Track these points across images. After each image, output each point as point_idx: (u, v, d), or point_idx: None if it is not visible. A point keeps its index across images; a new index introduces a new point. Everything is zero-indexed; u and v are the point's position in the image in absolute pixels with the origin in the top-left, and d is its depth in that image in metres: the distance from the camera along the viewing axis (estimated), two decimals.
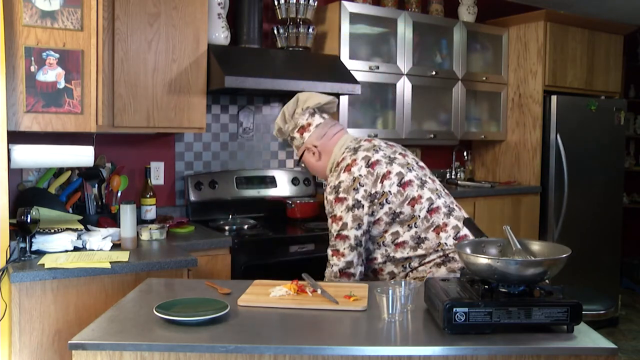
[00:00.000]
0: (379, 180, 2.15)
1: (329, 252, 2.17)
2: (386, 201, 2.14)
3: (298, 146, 2.36)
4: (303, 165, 2.46)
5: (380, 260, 2.20)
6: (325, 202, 2.21)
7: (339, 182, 2.16)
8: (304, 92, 2.37)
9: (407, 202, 2.15)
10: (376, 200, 2.14)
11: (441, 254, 2.15)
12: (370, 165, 2.17)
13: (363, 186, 2.13)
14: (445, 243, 2.16)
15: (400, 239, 2.16)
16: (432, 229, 2.16)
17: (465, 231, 2.19)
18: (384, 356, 1.47)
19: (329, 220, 2.19)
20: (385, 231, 2.17)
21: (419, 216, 2.16)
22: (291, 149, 3.83)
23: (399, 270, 2.19)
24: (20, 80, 2.43)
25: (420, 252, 2.15)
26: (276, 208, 3.57)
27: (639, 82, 6.24)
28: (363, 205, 2.12)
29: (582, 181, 4.55)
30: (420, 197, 2.17)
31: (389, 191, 2.14)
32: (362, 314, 1.71)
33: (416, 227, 2.16)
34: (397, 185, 2.16)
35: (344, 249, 2.13)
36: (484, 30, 4.53)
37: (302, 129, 2.32)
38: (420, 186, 2.20)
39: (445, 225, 2.18)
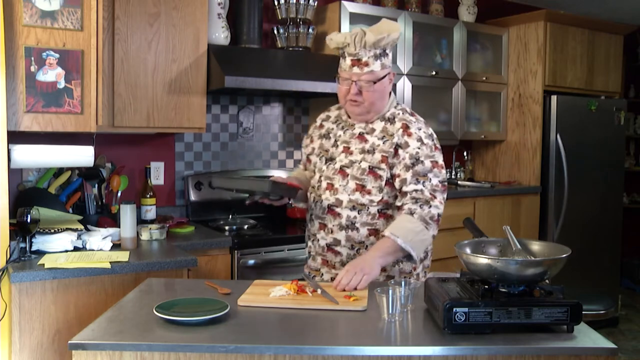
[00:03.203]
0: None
1: (432, 195, 2.05)
2: None
3: (386, 65, 2.11)
4: (360, 94, 2.09)
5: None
6: (419, 142, 2.09)
7: (432, 133, 2.15)
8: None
9: None
10: None
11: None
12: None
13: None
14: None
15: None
16: None
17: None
18: (384, 356, 1.47)
19: (428, 164, 2.08)
20: None
21: None
22: (291, 149, 3.83)
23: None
24: (20, 80, 2.43)
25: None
26: (276, 208, 3.56)
27: (639, 82, 6.24)
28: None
29: (582, 181, 4.55)
30: None
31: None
32: (362, 314, 1.71)
33: None
34: None
35: (443, 199, 2.08)
36: (484, 30, 4.53)
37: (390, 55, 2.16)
38: None
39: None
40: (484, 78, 4.50)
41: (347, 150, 2.17)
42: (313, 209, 2.23)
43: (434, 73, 4.18)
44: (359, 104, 2.11)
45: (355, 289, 1.87)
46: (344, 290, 1.86)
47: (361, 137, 2.16)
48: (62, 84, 2.51)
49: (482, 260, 1.59)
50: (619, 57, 4.95)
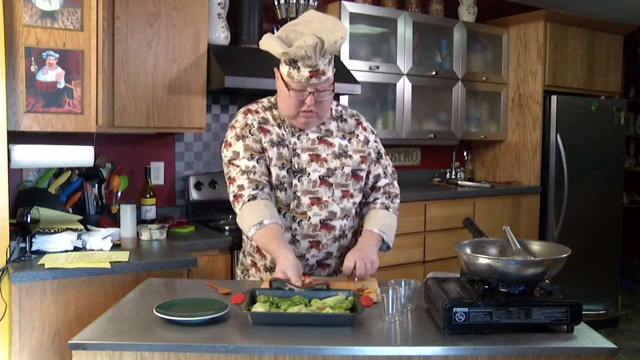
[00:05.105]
0: None
1: (397, 185, 2.22)
2: None
3: (334, 66, 1.97)
4: (313, 106, 1.94)
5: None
6: (373, 135, 2.16)
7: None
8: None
9: None
10: None
11: None
12: None
13: None
14: None
15: None
16: None
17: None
18: (384, 356, 1.47)
19: (383, 153, 2.19)
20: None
21: None
22: None
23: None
24: (20, 80, 2.43)
25: None
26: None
27: (639, 82, 6.24)
28: None
29: (582, 181, 4.55)
30: None
31: None
32: (364, 312, 1.71)
33: None
34: None
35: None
36: (484, 30, 4.53)
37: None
38: None
39: None
40: (484, 78, 4.50)
41: (317, 159, 2.01)
42: (296, 230, 2.02)
43: (434, 73, 4.18)
44: (314, 114, 1.96)
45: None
46: (357, 279, 1.94)
47: (323, 141, 2.04)
48: (62, 84, 2.51)
49: (482, 260, 1.59)
50: (619, 57, 4.96)
